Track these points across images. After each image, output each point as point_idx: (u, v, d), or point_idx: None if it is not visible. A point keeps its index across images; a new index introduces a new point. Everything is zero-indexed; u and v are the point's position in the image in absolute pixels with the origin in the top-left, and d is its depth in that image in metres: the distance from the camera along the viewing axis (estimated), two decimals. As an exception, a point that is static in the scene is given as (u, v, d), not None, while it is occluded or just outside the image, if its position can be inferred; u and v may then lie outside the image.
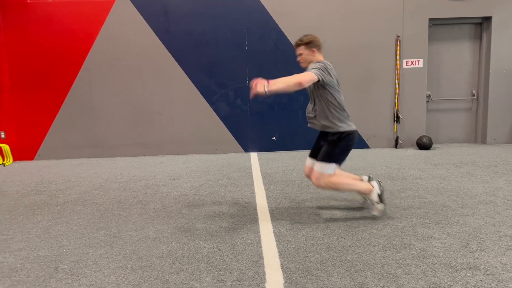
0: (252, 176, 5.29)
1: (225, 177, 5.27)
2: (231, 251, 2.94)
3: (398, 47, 6.90)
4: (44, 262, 2.88)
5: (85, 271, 2.71)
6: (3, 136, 6.75)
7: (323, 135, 3.56)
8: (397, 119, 7.04)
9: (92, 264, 2.82)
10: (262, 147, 7.06)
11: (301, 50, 3.45)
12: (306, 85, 3.13)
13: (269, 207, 3.95)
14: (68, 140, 6.88)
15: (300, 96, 6.96)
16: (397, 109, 7.03)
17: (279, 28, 6.80)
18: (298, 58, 3.50)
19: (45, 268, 2.78)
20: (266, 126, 7.02)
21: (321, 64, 3.32)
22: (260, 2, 6.73)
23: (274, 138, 7.06)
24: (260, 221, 3.57)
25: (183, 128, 6.98)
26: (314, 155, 3.63)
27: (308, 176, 3.69)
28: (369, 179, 3.71)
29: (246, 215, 3.74)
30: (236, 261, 2.77)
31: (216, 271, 2.64)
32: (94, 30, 6.65)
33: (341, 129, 3.38)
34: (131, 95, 6.86)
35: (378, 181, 3.60)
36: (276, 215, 3.71)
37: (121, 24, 6.67)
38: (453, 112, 7.38)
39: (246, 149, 7.06)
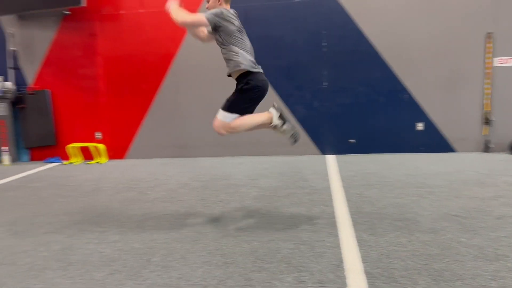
0: (330, 178, 5.26)
1: (302, 179, 5.29)
2: (311, 253, 2.96)
3: (489, 45, 6.42)
4: (138, 254, 3.12)
5: (174, 265, 2.90)
6: (99, 136, 7.39)
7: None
8: (487, 121, 6.56)
9: (180, 258, 3.00)
10: (340, 150, 6.97)
11: None
12: (192, 26, 3.61)
13: (349, 211, 3.91)
14: (155, 141, 7.34)
15: (381, 96, 6.77)
16: (487, 111, 6.55)
17: (359, 28, 6.67)
18: (206, 6, 3.70)
19: (138, 260, 3.02)
20: (344, 128, 6.92)
21: (219, 10, 3.47)
22: (339, 3, 6.65)
23: (352, 140, 6.94)
24: (339, 224, 3.55)
25: (261, 130, 7.11)
26: None
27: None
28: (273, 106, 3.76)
29: (325, 217, 3.74)
30: (317, 263, 2.79)
31: (297, 272, 2.68)
32: (179, 36, 7.03)
33: (243, 67, 3.56)
34: (212, 98, 7.12)
35: (273, 104, 3.71)
36: (356, 219, 3.66)
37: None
38: (554, 114, 6.70)
39: (323, 151, 7.01)
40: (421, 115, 6.72)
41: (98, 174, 6.23)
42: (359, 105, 6.84)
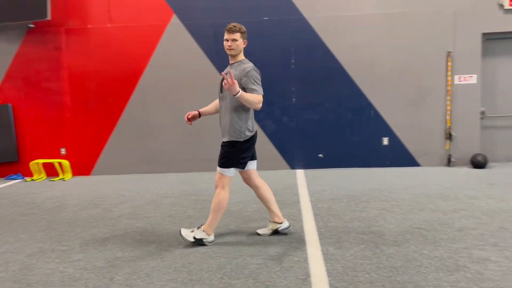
0: (299, 193, 5.29)
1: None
2: (279, 268, 2.96)
3: (449, 63, 6.71)
4: (101, 272, 3.03)
5: (138, 283, 2.83)
6: (63, 152, 7.19)
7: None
8: (449, 136, 6.81)
9: (145, 276, 2.94)
10: (309, 164, 7.05)
11: (237, 36, 3.42)
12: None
13: (316, 225, 3.94)
14: (123, 157, 7.20)
15: (348, 113, 6.92)
16: (449, 126, 6.80)
17: (326, 46, 6.83)
18: (229, 43, 3.42)
19: (101, 279, 2.93)
20: (312, 143, 7.02)
21: (258, 72, 3.46)
22: (307, 21, 6.81)
23: (320, 155, 7.04)
24: (307, 239, 3.57)
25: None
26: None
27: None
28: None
29: (293, 232, 3.75)
30: (284, 278, 2.79)
31: (264, 287, 2.67)
32: (148, 52, 6.99)
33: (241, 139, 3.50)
34: (182, 113, 7.09)
35: (212, 242, 3.53)
36: (323, 233, 3.69)
37: (173, 46, 6.97)
38: (510, 129, 7.02)
39: (292, 166, 7.07)
40: (387, 131, 6.91)
41: (62, 191, 6.05)
42: (327, 120, 6.97)
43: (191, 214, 4.52)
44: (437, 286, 2.56)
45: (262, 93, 3.40)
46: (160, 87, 7.06)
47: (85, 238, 3.83)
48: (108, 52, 7.01)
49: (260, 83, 3.43)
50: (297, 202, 4.83)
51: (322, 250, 3.26)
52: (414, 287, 2.56)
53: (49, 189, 6.24)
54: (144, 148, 7.18)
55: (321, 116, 6.97)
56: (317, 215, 4.26)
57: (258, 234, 3.71)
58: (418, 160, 6.93)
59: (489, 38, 6.81)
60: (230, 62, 3.57)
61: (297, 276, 2.80)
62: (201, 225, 3.61)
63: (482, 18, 6.63)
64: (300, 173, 6.69)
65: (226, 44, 3.45)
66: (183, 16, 6.94)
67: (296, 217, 4.23)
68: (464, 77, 6.74)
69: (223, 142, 3.59)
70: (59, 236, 3.94)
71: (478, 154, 6.64)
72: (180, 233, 3.52)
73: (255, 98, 3.34)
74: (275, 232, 3.69)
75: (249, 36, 7.05)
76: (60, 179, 6.99)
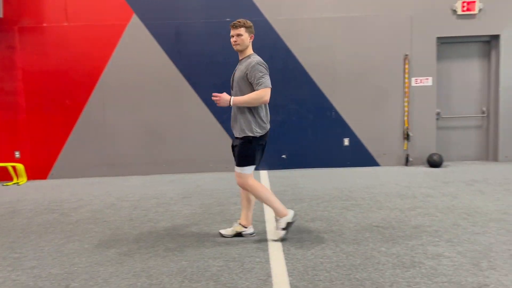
0: (262, 194, 5.30)
1: (235, 195, 5.30)
2: (240, 269, 2.95)
3: (406, 66, 6.94)
4: (56, 280, 2.92)
5: (96, 289, 2.74)
6: (17, 155, 6.89)
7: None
8: (407, 136, 7.03)
9: (103, 282, 2.85)
10: (272, 165, 7.09)
11: (242, 31, 3.44)
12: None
13: (278, 225, 3.96)
14: (81, 160, 6.99)
15: (310, 114, 7.01)
16: (406, 127, 7.03)
17: (288, 47, 6.90)
18: (234, 39, 3.46)
19: (56, 286, 2.82)
20: (275, 144, 7.06)
21: (263, 65, 3.38)
22: (269, 23, 6.86)
23: (283, 156, 7.09)
24: (269, 239, 3.58)
25: (194, 146, 7.06)
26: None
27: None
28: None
29: (256, 233, 3.75)
30: (245, 280, 2.78)
31: (225, 289, 2.65)
32: (108, 52, 6.83)
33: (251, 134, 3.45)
34: (143, 114, 6.98)
35: (295, 213, 3.54)
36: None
37: (133, 46, 6.84)
38: (464, 130, 7.35)
39: (256, 167, 7.07)
40: (348, 132, 7.06)
41: (15, 195, 5.79)
42: (290, 121, 7.04)
43: (152, 217, 4.44)
44: (394, 282, 2.63)
45: (269, 86, 3.34)
46: (120, 88, 6.91)
47: (39, 245, 3.68)
48: (65, 52, 6.79)
49: (266, 76, 3.37)
50: (259, 203, 4.83)
51: (283, 250, 3.28)
52: (372, 284, 2.62)
53: (1, 194, 5.96)
54: (104, 151, 6.99)
55: (284, 117, 7.04)
56: (279, 216, 4.28)
57: (221, 235, 3.69)
58: (378, 160, 7.12)
59: (443, 42, 7.10)
60: (240, 58, 3.57)
61: (258, 277, 2.80)
62: (276, 219, 3.53)
63: (436, 23, 6.91)
64: (263, 174, 6.72)
65: (232, 40, 3.47)
66: (143, 16, 6.83)
67: (258, 218, 4.24)
68: (421, 79, 7.00)
69: (237, 138, 3.52)
70: (11, 243, 3.77)
71: (434, 154, 6.90)
72: (279, 240, 3.47)
73: (257, 95, 3.32)
74: (238, 235, 3.68)
75: (211, 38, 7.03)
76: (14, 183, 6.70)
